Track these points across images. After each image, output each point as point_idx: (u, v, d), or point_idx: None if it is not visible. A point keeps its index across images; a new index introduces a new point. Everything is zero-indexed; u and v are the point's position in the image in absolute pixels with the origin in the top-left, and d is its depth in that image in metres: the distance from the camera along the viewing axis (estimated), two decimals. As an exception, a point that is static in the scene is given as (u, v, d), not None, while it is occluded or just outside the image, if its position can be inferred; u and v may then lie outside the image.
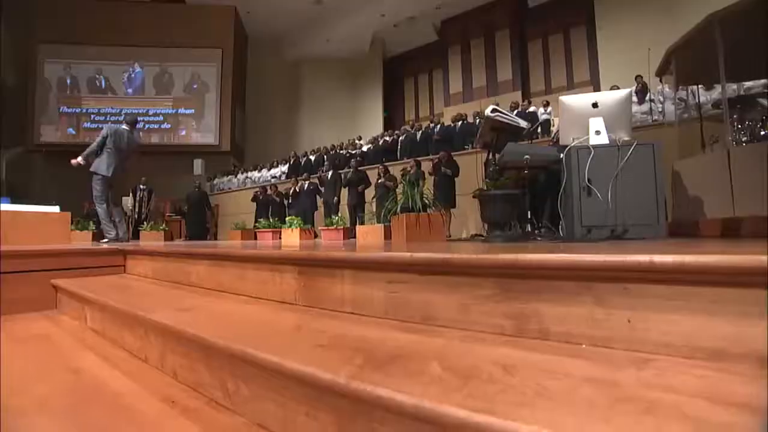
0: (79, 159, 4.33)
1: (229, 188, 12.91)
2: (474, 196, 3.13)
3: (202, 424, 0.82)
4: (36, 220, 3.70)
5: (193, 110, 14.72)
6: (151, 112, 14.59)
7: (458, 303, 0.85)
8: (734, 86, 5.09)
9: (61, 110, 14.31)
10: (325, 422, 0.66)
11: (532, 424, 0.42)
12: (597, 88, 10.51)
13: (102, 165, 4.39)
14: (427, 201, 3.50)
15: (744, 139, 3.82)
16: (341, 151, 10.75)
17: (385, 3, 13.32)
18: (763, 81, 4.54)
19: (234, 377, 0.86)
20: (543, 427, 0.41)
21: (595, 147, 2.66)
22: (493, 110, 3.44)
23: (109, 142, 4.43)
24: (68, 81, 14.42)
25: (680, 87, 5.30)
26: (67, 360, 1.26)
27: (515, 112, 8.03)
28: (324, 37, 15.39)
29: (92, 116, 14.37)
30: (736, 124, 3.91)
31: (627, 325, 0.67)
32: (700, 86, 5.39)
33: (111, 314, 1.45)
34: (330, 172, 8.34)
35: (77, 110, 14.42)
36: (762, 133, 3.66)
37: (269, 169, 12.40)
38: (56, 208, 4.22)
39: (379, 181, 7.34)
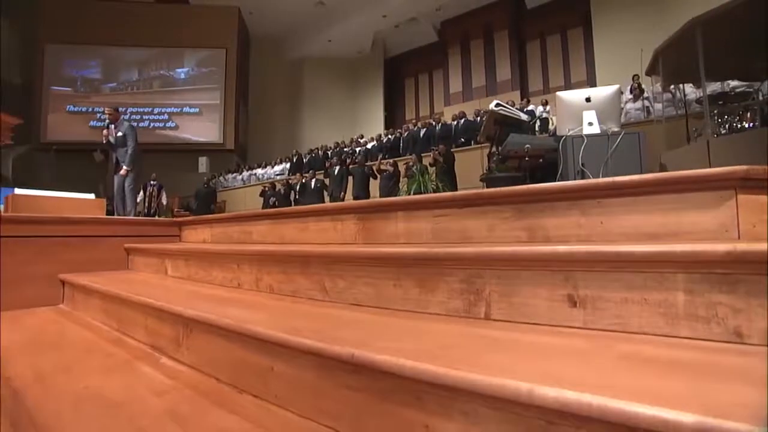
0: (126, 166, 4.76)
1: (234, 186, 13.24)
2: (481, 179, 3.50)
3: (310, 306, 1.19)
4: (77, 205, 4.04)
5: (197, 109, 15.05)
6: (156, 111, 14.92)
7: (487, 224, 1.22)
8: (718, 84, 5.46)
9: (68, 109, 14.62)
10: (408, 286, 1.03)
11: (544, 244, 0.80)
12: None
13: (130, 158, 4.84)
14: (435, 187, 3.88)
15: (723, 132, 4.21)
16: (345, 149, 11.07)
17: (387, 4, 13.68)
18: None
19: (331, 277, 1.23)
20: (542, 247, 0.79)
21: (588, 136, 3.05)
22: (497, 104, 3.81)
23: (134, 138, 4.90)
24: (76, 81, 14.72)
25: (668, 85, 5.68)
26: (176, 287, 1.62)
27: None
28: (326, 37, 15.71)
29: (99, 115, 14.63)
30: (716, 118, 4.30)
31: (600, 226, 1.05)
32: (689, 84, 5.76)
33: (198, 259, 1.81)
34: (337, 168, 8.63)
35: (84, 109, 14.72)
36: (738, 126, 4.06)
37: (273, 167, 12.73)
38: (92, 195, 4.59)
39: (382, 168, 7.68)
